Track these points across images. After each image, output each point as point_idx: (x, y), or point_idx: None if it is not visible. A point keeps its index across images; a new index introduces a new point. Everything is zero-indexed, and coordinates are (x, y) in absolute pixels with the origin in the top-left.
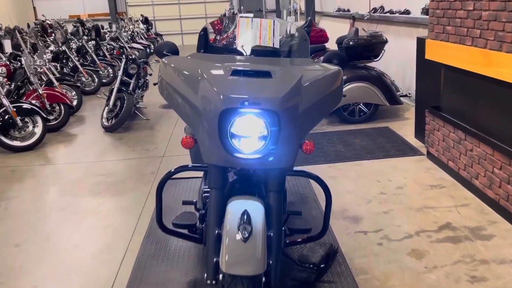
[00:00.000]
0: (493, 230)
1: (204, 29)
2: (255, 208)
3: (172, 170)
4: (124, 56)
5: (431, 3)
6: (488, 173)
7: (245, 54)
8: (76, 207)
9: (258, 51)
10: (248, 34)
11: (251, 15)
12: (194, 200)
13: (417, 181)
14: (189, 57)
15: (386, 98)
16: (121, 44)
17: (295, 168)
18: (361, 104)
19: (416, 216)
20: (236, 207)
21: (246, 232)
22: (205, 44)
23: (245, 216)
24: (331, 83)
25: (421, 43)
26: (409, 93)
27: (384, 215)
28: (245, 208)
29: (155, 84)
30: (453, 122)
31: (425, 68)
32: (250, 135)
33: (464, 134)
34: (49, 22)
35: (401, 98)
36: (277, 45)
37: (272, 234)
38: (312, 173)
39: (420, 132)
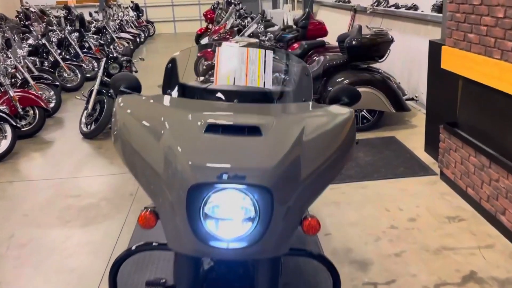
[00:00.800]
0: None
1: (173, 61)
2: None
3: (133, 248)
4: (104, 54)
5: (449, 5)
6: None
7: (225, 99)
8: (38, 242)
9: (244, 95)
10: (231, 71)
11: (236, 45)
12: (162, 281)
13: (432, 210)
14: (151, 100)
15: (392, 104)
16: (101, 42)
17: None
18: (364, 111)
19: (434, 261)
20: None
21: None
22: (176, 82)
23: None
24: (342, 132)
25: (435, 48)
26: (416, 96)
27: (396, 258)
28: None
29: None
30: (474, 144)
31: (439, 77)
32: (231, 217)
33: (488, 161)
34: (33, 10)
35: (407, 102)
36: (269, 86)
37: None
38: (314, 251)
39: (431, 146)
